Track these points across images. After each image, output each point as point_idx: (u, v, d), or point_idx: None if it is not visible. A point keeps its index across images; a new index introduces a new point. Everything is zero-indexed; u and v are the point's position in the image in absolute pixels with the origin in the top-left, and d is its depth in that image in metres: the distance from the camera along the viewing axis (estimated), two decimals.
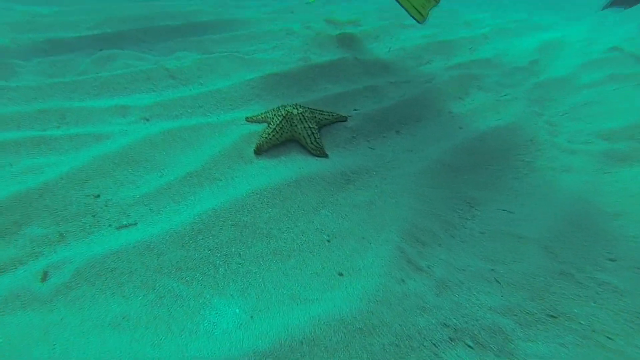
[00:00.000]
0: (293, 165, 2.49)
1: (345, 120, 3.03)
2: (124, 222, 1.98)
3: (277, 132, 2.64)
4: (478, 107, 3.48)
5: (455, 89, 3.87)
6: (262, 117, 2.89)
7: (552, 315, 1.58)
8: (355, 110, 3.30)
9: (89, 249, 1.74)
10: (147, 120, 2.95)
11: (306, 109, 2.79)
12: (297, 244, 1.92)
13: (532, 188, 2.41)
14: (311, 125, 2.69)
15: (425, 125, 3.16)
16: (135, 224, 1.98)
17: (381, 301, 1.55)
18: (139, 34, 4.72)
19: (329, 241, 1.94)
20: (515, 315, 1.59)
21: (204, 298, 1.63)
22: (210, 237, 1.87)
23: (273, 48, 4.49)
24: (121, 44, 4.38)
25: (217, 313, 1.57)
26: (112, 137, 2.65)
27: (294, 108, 2.75)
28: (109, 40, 4.40)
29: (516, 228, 2.05)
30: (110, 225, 1.96)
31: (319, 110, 2.88)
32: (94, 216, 1.98)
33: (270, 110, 2.87)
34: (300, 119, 2.69)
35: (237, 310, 1.58)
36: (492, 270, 1.81)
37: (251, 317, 1.55)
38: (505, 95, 3.69)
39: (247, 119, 2.96)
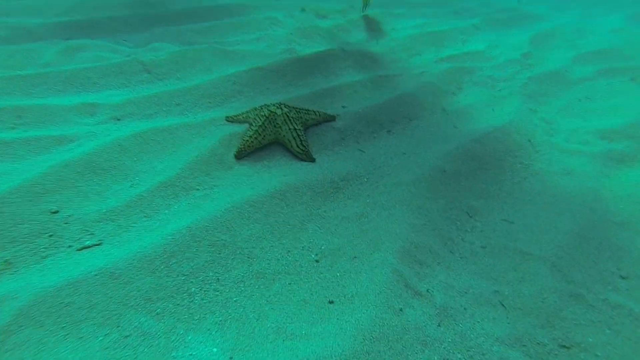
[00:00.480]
0: (277, 172, 2.27)
1: (333, 120, 2.80)
2: (87, 242, 1.73)
3: (260, 135, 2.40)
4: (472, 103, 3.29)
5: (448, 83, 3.66)
6: (243, 117, 2.64)
7: (564, 346, 1.42)
8: (343, 107, 3.07)
9: (40, 280, 1.49)
10: (118, 120, 2.67)
11: (291, 108, 2.56)
12: (283, 265, 1.71)
13: (533, 194, 2.24)
14: (297, 127, 2.46)
15: (418, 124, 2.96)
16: (100, 243, 1.73)
17: (378, 338, 1.36)
18: (113, 22, 4.36)
19: (317, 261, 1.74)
20: (525, 346, 1.42)
21: (177, 335, 1.41)
22: (185, 261, 1.64)
23: (257, 39, 4.20)
24: (92, 34, 4.02)
25: (191, 354, 1.35)
26: (77, 140, 2.37)
27: (277, 107, 2.50)
28: (79, 28, 4.04)
29: (519, 242, 1.88)
30: (69, 247, 1.71)
31: (305, 110, 2.64)
32: (50, 236, 1.73)
33: (252, 110, 2.62)
34: (284, 119, 2.45)
35: (215, 350, 1.37)
36: (496, 292, 1.63)
37: (230, 358, 1.34)
38: (500, 90, 3.51)
39: (228, 119, 2.71)
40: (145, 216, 1.90)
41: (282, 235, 1.84)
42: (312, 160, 2.40)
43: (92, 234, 1.78)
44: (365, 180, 2.24)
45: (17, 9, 4.21)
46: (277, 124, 2.45)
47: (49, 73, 3.03)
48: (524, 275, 1.69)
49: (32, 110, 2.59)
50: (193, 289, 1.56)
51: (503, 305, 1.58)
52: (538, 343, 1.42)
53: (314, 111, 2.68)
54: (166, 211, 1.94)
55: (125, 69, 3.23)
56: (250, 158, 2.39)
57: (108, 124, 2.61)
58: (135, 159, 2.26)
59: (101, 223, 1.83)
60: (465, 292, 1.63)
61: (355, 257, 1.75)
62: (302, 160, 2.41)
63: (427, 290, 1.61)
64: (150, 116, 2.74)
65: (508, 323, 1.51)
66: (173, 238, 1.69)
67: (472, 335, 1.45)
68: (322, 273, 1.69)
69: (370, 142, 2.67)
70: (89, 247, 1.72)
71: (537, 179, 2.37)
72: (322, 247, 1.81)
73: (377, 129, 2.82)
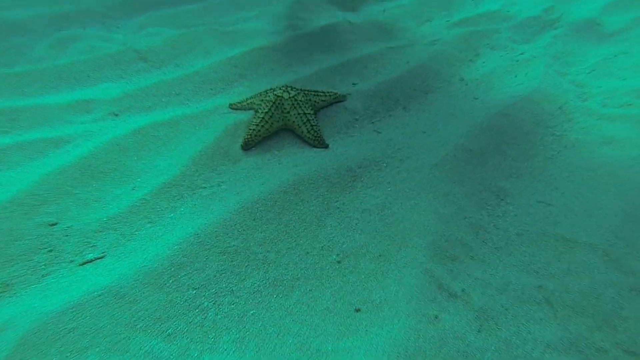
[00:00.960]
0: (288, 162, 2.07)
1: (344, 100, 2.57)
2: (89, 256, 1.59)
3: (267, 122, 2.19)
4: (492, 70, 3.00)
5: (464, 50, 3.36)
6: (248, 104, 2.43)
7: (631, 352, 1.23)
8: (354, 84, 2.82)
9: (41, 303, 1.36)
10: (116, 115, 2.48)
11: (298, 90, 2.33)
12: (302, 269, 1.54)
13: (570, 170, 2.01)
14: (306, 111, 2.24)
15: (435, 98, 2.70)
16: (103, 256, 1.59)
17: (414, 354, 1.20)
18: (105, 9, 4.10)
19: (339, 262, 1.57)
20: (582, 352, 1.25)
21: (191, 358, 1.27)
22: (195, 272, 1.48)
23: (256, 16, 3.91)
24: (84, 22, 3.79)
25: None
26: (73, 141, 2.20)
27: (284, 91, 2.28)
28: (70, 17, 3.80)
29: (560, 227, 1.67)
30: (71, 262, 1.57)
31: (314, 91, 2.41)
32: (50, 251, 1.59)
33: (257, 95, 2.41)
34: (292, 103, 2.23)
35: None
36: (540, 287, 1.44)
37: None
38: (521, 53, 3.19)
39: (231, 106, 2.50)
40: (149, 222, 1.74)
41: (298, 234, 1.67)
42: (325, 146, 2.19)
43: (94, 245, 1.64)
44: (385, 165, 2.04)
45: (5, 0, 3.97)
46: (285, 109, 2.23)
47: (41, 69, 2.84)
48: (571, 266, 1.50)
49: (26, 111, 2.42)
50: (205, 303, 1.41)
51: (549, 302, 1.40)
52: (598, 349, 1.24)
53: (323, 92, 2.45)
54: (171, 215, 1.78)
55: (121, 59, 3.02)
56: (258, 148, 2.20)
57: (106, 120, 2.43)
58: (135, 158, 2.08)
59: (103, 233, 1.68)
60: (505, 289, 1.45)
61: (380, 256, 1.57)
62: (314, 146, 2.21)
63: (463, 290, 1.43)
64: (149, 109, 2.55)
65: (558, 325, 1.33)
66: (180, 248, 1.53)
67: (518, 342, 1.28)
68: (345, 276, 1.52)
69: (386, 122, 2.44)
70: (91, 260, 1.57)
71: (573, 152, 2.13)
72: (344, 246, 1.63)
73: (392, 107, 2.58)
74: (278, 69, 3.01)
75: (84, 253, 1.60)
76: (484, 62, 3.20)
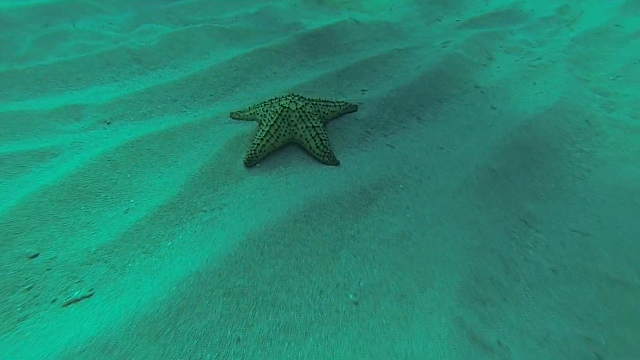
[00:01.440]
0: (296, 182, 1.88)
1: (355, 110, 2.36)
2: (75, 294, 1.39)
3: (272, 136, 1.99)
4: (508, 76, 2.81)
5: (477, 53, 3.16)
6: (250, 114, 2.22)
7: None
8: (363, 91, 2.62)
9: None
10: (108, 124, 2.26)
11: (306, 100, 2.12)
12: (315, 311, 1.36)
13: (604, 192, 1.84)
14: (314, 124, 2.04)
15: (451, 108, 2.51)
16: (91, 294, 1.39)
17: None
18: (96, 2, 3.84)
19: (356, 304, 1.38)
20: None
21: None
22: (196, 318, 1.30)
23: (257, 13, 3.67)
24: (74, 16, 3.53)
25: None
26: (60, 153, 1.99)
27: (290, 101, 2.07)
28: (58, 11, 3.54)
29: (603, 263, 1.50)
30: (53, 302, 1.37)
31: (322, 101, 2.21)
32: (28, 289, 1.39)
33: (261, 105, 2.20)
34: (299, 116, 2.03)
35: None
36: (588, 339, 1.27)
37: None
38: (538, 58, 3.00)
39: (233, 115, 2.29)
40: (144, 252, 1.55)
41: (311, 270, 1.48)
42: (336, 163, 2.00)
43: (81, 281, 1.44)
44: (402, 187, 1.85)
45: None
46: (292, 121, 2.03)
47: (25, 70, 2.61)
48: (622, 313, 1.33)
49: (8, 118, 2.20)
50: (208, 355, 1.23)
51: None
52: None
53: (332, 102, 2.24)
54: (169, 243, 1.58)
55: (113, 60, 2.79)
56: (263, 164, 2.00)
57: (96, 129, 2.21)
58: (129, 175, 1.88)
59: (91, 266, 1.48)
60: (546, 341, 1.28)
61: (402, 296, 1.39)
62: (323, 163, 2.01)
63: (499, 342, 1.26)
64: (144, 117, 2.33)
65: None
66: (179, 289, 1.34)
67: None
68: (364, 320, 1.34)
69: (400, 135, 2.25)
70: (77, 299, 1.38)
71: (605, 171, 1.95)
72: (361, 283, 1.45)
73: (405, 117, 2.38)
74: (281, 72, 2.80)
75: (69, 290, 1.41)
76: (498, 67, 3.00)
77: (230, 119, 2.28)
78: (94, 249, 1.53)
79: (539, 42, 3.32)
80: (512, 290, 1.43)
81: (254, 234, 1.53)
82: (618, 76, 2.69)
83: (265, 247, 1.50)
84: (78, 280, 1.44)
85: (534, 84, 2.70)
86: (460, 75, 2.87)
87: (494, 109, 2.47)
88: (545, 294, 1.43)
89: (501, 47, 3.30)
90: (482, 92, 2.66)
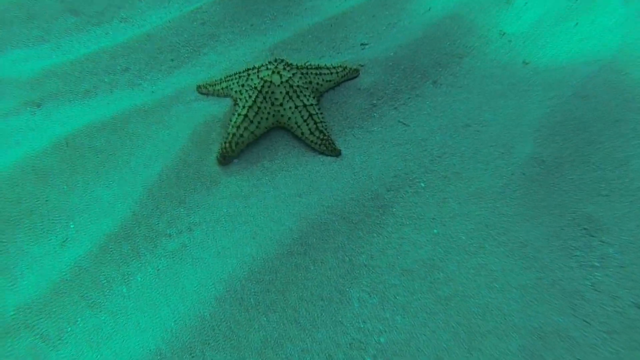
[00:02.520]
0: (287, 186, 1.40)
1: (356, 76, 1.81)
2: None
3: (252, 122, 1.47)
4: (542, 16, 2.21)
5: None
6: (222, 88, 1.66)
7: None
8: (363, 45, 2.04)
9: None
10: (37, 106, 1.70)
11: (294, 69, 1.57)
12: None
13: None
14: (306, 101, 1.51)
15: (472, 65, 1.96)
16: None
17: None
18: None
19: None
20: None
21: None
22: None
23: None
24: None
25: None
26: None
27: (273, 72, 1.52)
28: None
29: None
30: None
31: (315, 68, 1.65)
32: None
33: (236, 75, 1.63)
34: (286, 91, 1.49)
35: None
36: None
37: None
38: None
39: (200, 90, 1.73)
40: (89, 306, 1.12)
41: (314, 323, 1.07)
42: (337, 153, 1.51)
43: None
44: (423, 186, 1.39)
45: None
46: (276, 99, 1.50)
47: None
48: None
49: None
50: None
51: None
52: None
53: (327, 68, 1.68)
54: (124, 290, 1.15)
55: (38, 11, 2.11)
56: (242, 158, 1.51)
57: (21, 115, 1.66)
58: (65, 188, 1.38)
59: (10, 336, 1.05)
60: None
61: None
62: (320, 153, 1.52)
63: None
64: (87, 95, 1.76)
65: None
66: None
67: None
68: None
69: (414, 106, 1.73)
70: None
71: None
72: (381, 339, 1.06)
73: (418, 81, 1.85)
74: (260, 23, 2.16)
75: None
76: (526, 4, 2.38)
77: (197, 94, 1.73)
78: (11, 312, 1.08)
79: None
80: (587, 342, 1.05)
81: (234, 280, 1.10)
82: None
83: (252, 299, 1.08)
84: None
85: (576, 24, 2.12)
86: (481, 19, 2.26)
87: (526, 63, 1.94)
88: (634, 346, 1.06)
89: None
90: (510, 41, 2.09)
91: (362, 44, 2.06)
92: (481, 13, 2.29)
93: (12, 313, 1.08)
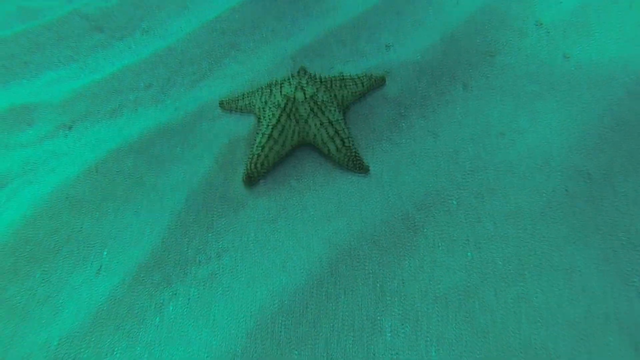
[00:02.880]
0: (315, 207, 1.37)
1: (383, 85, 1.73)
2: None
3: (276, 142, 1.43)
4: (585, 2, 2.03)
5: None
6: (245, 105, 1.63)
7: None
8: (387, 47, 1.95)
9: None
10: (69, 129, 1.73)
11: (317, 82, 1.51)
12: None
13: None
14: (332, 118, 1.46)
15: (505, 62, 1.83)
16: None
17: None
18: None
19: None
20: None
21: None
22: None
23: None
24: None
25: None
26: (7, 184, 1.51)
27: (296, 87, 1.47)
28: None
29: None
30: None
31: (340, 78, 1.59)
32: None
33: (258, 90, 1.60)
34: (310, 108, 1.45)
35: None
36: None
37: None
38: None
39: (223, 105, 1.71)
40: (125, 336, 1.14)
41: (346, 355, 1.05)
42: (365, 170, 1.45)
43: None
44: (455, 204, 1.33)
45: None
46: (301, 116, 1.45)
47: None
48: None
49: None
50: None
51: None
52: None
53: (352, 79, 1.62)
54: (157, 320, 1.16)
55: (67, 32, 2.13)
56: (268, 178, 1.48)
57: (55, 139, 1.69)
58: (97, 215, 1.40)
59: None
60: None
61: None
62: (347, 169, 1.48)
63: None
64: (113, 114, 1.78)
65: None
66: None
67: None
68: None
69: (444, 113, 1.64)
70: None
71: None
72: None
73: (447, 85, 1.75)
74: (280, 28, 2.10)
75: None
76: None
77: (220, 109, 1.71)
78: (55, 343, 1.12)
79: None
80: None
81: (265, 313, 1.09)
82: None
83: (283, 333, 1.07)
84: None
85: (630, 7, 1.93)
86: (515, 8, 2.10)
87: (567, 58, 1.79)
88: None
89: None
90: (548, 33, 1.94)
91: (386, 45, 1.97)
92: (515, 2, 2.13)
93: (56, 343, 1.12)
